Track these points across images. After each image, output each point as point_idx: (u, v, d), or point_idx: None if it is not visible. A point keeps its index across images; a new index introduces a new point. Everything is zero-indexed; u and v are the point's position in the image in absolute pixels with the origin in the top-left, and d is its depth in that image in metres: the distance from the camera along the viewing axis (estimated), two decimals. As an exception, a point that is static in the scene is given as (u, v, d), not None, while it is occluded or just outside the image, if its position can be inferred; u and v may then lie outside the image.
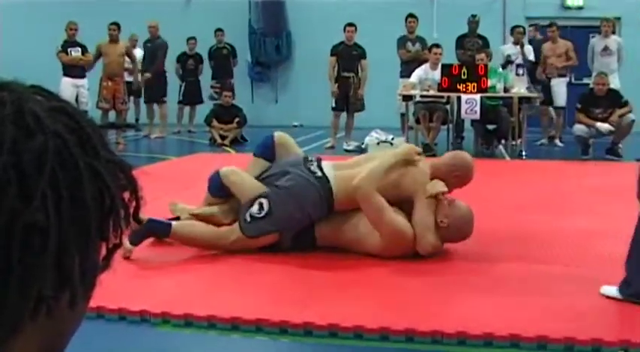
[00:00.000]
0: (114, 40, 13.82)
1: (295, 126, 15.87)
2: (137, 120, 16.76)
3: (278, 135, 5.99)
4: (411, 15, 13.70)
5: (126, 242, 4.82)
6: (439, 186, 5.24)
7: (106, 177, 0.78)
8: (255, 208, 5.24)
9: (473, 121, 12.38)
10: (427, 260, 5.11)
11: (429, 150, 11.79)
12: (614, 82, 12.59)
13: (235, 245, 5.21)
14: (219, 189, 5.59)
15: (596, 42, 13.32)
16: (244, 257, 5.19)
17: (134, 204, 0.85)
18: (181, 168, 10.07)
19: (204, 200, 5.72)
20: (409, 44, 13.47)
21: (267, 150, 5.84)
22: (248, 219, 5.24)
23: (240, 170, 5.65)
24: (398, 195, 5.23)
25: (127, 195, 0.84)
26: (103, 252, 0.82)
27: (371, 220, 5.15)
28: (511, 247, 5.52)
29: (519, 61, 13.32)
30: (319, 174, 5.37)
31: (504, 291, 4.49)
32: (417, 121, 12.41)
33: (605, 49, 13.08)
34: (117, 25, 13.85)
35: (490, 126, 12.27)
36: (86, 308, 0.83)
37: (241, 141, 13.81)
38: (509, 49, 13.57)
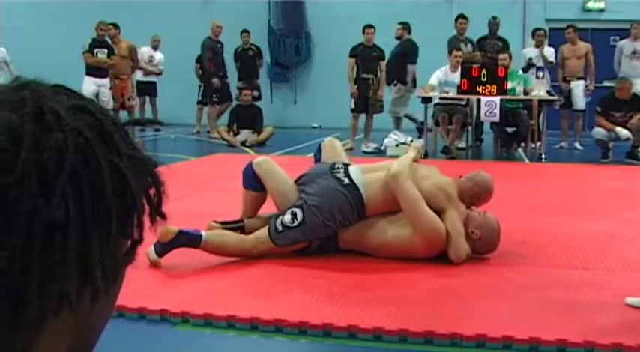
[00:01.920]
0: (116, 39, 14.10)
1: (314, 127, 15.89)
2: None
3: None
4: (461, 16, 13.66)
5: (152, 253, 4.86)
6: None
7: (128, 174, 0.79)
8: (287, 217, 5.15)
9: (492, 124, 12.32)
10: (445, 263, 5.08)
11: (448, 153, 11.78)
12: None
13: (264, 253, 5.16)
14: (251, 179, 5.54)
15: (625, 45, 13.23)
16: (263, 259, 5.19)
17: (157, 200, 0.85)
18: (197, 169, 10.08)
19: (242, 200, 5.69)
20: (462, 45, 13.36)
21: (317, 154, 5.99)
22: (280, 228, 5.15)
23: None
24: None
25: (152, 191, 0.85)
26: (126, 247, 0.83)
27: (407, 211, 5.08)
28: (530, 250, 5.51)
29: (540, 63, 13.26)
30: (347, 181, 5.28)
31: (524, 294, 4.47)
32: (437, 123, 12.38)
33: (634, 52, 12.98)
34: (115, 25, 14.20)
35: (509, 129, 12.23)
36: (113, 304, 0.84)
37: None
38: (531, 51, 13.50)
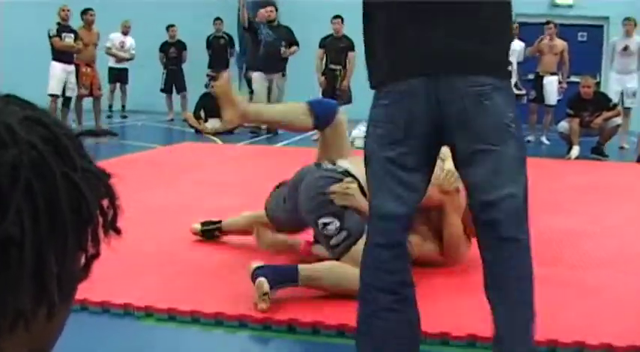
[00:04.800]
0: (90, 26, 13.79)
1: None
2: (124, 107, 16.79)
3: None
4: None
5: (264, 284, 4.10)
6: (453, 179, 4.82)
7: (83, 188, 0.78)
8: (331, 228, 4.36)
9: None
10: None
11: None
12: (632, 83, 12.72)
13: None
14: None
15: (617, 41, 13.35)
16: (232, 253, 5.18)
17: (112, 212, 0.84)
18: (165, 158, 10.05)
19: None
20: None
21: (325, 118, 4.92)
22: (339, 240, 4.35)
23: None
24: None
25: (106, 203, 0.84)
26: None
27: (448, 241, 4.90)
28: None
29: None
30: (341, 169, 4.70)
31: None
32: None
33: (626, 48, 13.08)
34: (93, 10, 13.85)
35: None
36: (65, 318, 0.83)
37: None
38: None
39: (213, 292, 4.35)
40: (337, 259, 4.30)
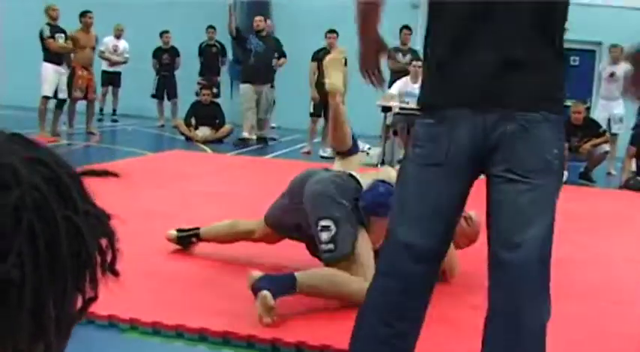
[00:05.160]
0: (89, 28, 13.70)
1: (272, 127, 15.86)
2: (115, 110, 16.78)
3: None
4: (405, 27, 13.70)
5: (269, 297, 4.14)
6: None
7: (85, 231, 0.79)
8: (324, 236, 4.52)
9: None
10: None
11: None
12: (619, 109, 12.79)
13: (359, 273, 4.47)
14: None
15: (604, 68, 13.48)
16: (215, 267, 5.18)
17: (111, 256, 0.85)
18: (155, 166, 10.03)
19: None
20: (399, 55, 13.45)
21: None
22: (330, 246, 4.52)
23: None
24: None
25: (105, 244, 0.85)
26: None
27: None
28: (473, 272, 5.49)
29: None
30: (347, 174, 4.90)
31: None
32: (395, 133, 12.42)
33: (612, 75, 13.15)
34: (91, 13, 13.70)
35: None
36: (62, 350, 0.83)
37: (222, 141, 13.81)
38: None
39: (199, 306, 4.34)
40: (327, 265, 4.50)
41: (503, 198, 2.68)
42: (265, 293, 4.08)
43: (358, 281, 4.32)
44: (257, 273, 4.24)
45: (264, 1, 17.55)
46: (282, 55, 14.15)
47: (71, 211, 0.78)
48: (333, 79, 5.10)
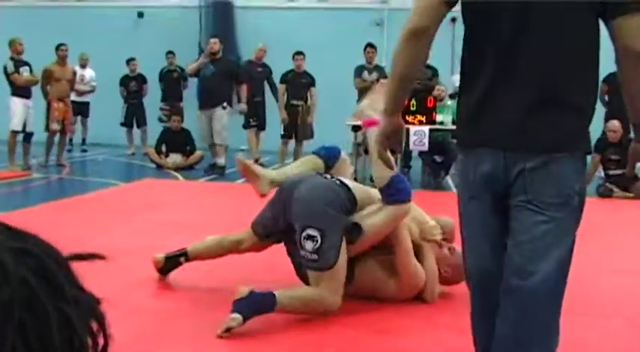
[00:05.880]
0: (64, 61, 13.62)
1: (242, 150, 15.84)
2: (84, 140, 16.69)
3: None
4: (370, 45, 13.77)
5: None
6: (437, 232, 5.26)
7: (75, 321, 0.78)
8: (309, 245, 4.68)
9: (420, 152, 12.45)
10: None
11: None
12: None
13: (333, 287, 4.72)
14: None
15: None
16: (194, 294, 5.15)
17: (103, 344, 0.85)
18: (125, 196, 9.98)
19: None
20: (365, 73, 13.53)
21: (332, 158, 5.43)
22: (314, 256, 4.68)
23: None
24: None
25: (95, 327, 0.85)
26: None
27: (401, 261, 5.04)
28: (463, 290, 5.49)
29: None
30: (339, 182, 4.99)
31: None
32: (366, 151, 12.44)
33: None
34: (65, 45, 13.63)
35: (438, 158, 12.36)
36: None
37: (194, 167, 13.68)
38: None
39: (173, 338, 4.31)
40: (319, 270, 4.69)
41: (519, 227, 2.73)
42: (236, 316, 4.37)
43: (327, 298, 4.66)
44: (244, 290, 4.47)
45: (229, 23, 17.65)
46: (237, 77, 13.33)
47: (60, 300, 0.77)
48: (260, 189, 5.24)
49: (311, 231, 4.64)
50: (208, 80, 13.05)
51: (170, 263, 5.48)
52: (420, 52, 2.83)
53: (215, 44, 13.18)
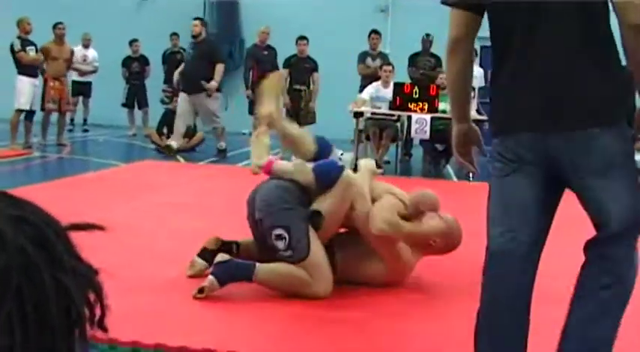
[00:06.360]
0: (62, 39, 13.59)
1: (244, 133, 15.81)
2: (85, 120, 16.68)
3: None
4: (374, 31, 13.77)
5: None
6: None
7: (73, 291, 0.78)
8: (280, 244, 4.79)
9: (422, 140, 12.45)
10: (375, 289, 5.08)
11: (377, 168, 11.82)
12: None
13: (315, 273, 4.80)
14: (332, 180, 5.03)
15: None
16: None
17: (100, 313, 0.85)
18: (126, 177, 9.97)
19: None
20: (369, 60, 13.51)
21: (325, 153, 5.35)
22: (288, 253, 4.80)
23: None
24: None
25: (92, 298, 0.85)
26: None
27: (375, 246, 5.04)
28: (460, 277, 5.47)
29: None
30: (290, 179, 5.07)
31: (456, 323, 4.49)
32: (367, 138, 12.46)
33: None
34: (63, 24, 13.61)
35: (439, 146, 12.36)
36: None
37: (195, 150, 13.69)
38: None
39: (179, 324, 4.30)
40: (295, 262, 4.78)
41: (592, 194, 2.85)
42: (211, 278, 4.58)
43: (312, 284, 4.75)
44: (224, 256, 4.72)
45: (233, 5, 17.60)
46: (217, 60, 12.91)
47: (58, 270, 0.77)
48: (264, 108, 5.40)
49: (278, 231, 4.79)
50: (188, 63, 12.99)
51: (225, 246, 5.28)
52: (460, 61, 3.01)
53: (196, 27, 12.91)
